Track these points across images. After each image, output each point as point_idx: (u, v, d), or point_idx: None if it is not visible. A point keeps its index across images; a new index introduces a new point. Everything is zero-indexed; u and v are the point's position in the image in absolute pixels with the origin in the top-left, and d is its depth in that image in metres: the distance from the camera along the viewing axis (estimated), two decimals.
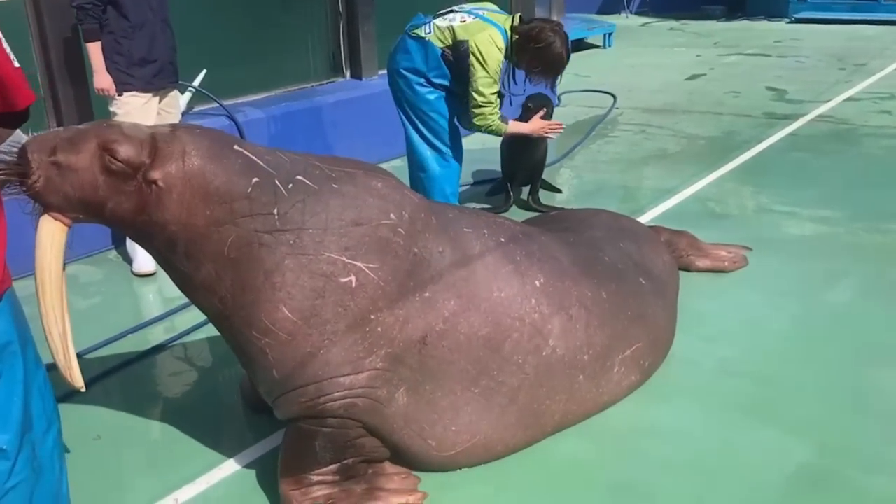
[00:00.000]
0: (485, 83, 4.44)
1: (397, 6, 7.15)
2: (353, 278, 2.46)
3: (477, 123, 4.56)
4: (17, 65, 1.89)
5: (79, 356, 3.63)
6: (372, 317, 2.49)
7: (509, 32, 4.49)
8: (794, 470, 2.77)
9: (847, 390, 3.22)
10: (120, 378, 3.59)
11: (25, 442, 2.00)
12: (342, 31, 7.04)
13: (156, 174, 2.34)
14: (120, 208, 2.37)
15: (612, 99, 8.83)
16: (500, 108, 4.62)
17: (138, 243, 2.60)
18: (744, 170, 6.28)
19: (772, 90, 9.16)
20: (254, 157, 2.49)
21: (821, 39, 13.00)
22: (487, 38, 4.42)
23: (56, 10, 4.98)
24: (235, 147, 2.50)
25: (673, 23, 16.08)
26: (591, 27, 12.90)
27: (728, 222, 5.14)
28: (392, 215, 2.56)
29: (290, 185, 2.47)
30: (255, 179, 2.44)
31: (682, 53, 12.19)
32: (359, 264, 2.47)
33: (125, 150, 2.32)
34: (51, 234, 2.32)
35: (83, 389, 2.43)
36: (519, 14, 4.65)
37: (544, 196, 5.60)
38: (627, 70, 10.80)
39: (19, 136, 2.26)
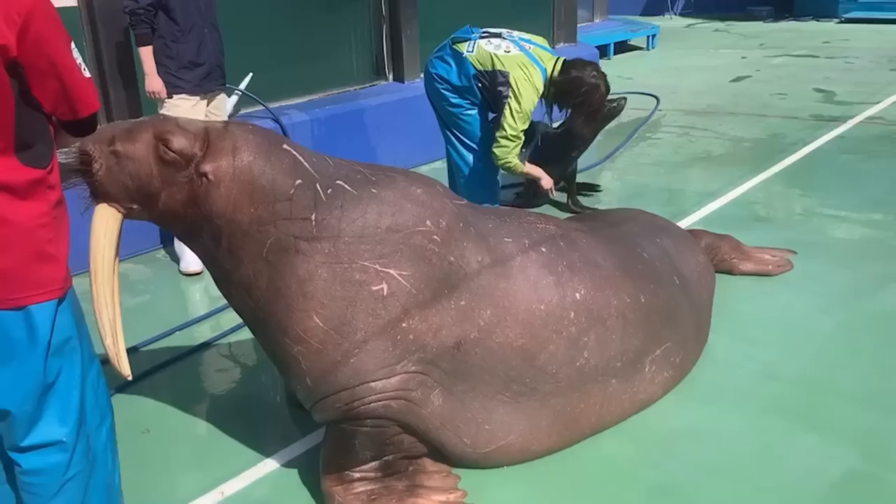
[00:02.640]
0: (519, 117, 4.46)
1: (440, 9, 7.21)
2: (384, 286, 2.48)
3: (497, 154, 4.57)
4: (87, 74, 1.97)
5: (128, 352, 3.76)
6: (404, 324, 2.51)
7: (550, 73, 4.51)
8: (839, 476, 2.73)
9: (893, 396, 3.16)
10: (168, 374, 3.68)
11: (81, 435, 2.08)
12: (385, 35, 7.11)
13: (207, 167, 2.41)
14: (172, 199, 2.44)
15: (655, 101, 8.77)
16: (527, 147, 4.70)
17: (186, 240, 2.67)
18: (790, 173, 6.19)
19: (820, 92, 9.00)
20: (300, 158, 2.52)
21: (871, 40, 12.74)
22: (527, 76, 4.45)
23: (109, 16, 5.13)
24: (284, 146, 2.54)
25: (718, 24, 15.90)
26: (635, 29, 12.82)
27: (773, 226, 5.08)
28: (428, 222, 2.57)
29: (330, 191, 2.50)
30: (298, 181, 2.47)
31: (727, 55, 12.04)
32: (391, 272, 2.49)
33: (179, 142, 2.40)
34: (105, 221, 2.39)
35: (130, 378, 2.49)
36: (563, 59, 4.65)
37: (585, 199, 5.60)
38: (671, 72, 10.71)
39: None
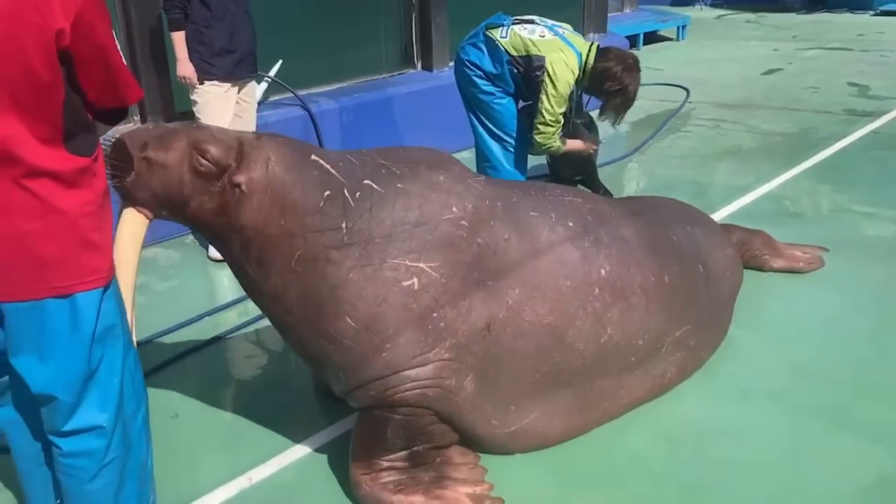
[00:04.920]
0: (556, 101, 4.45)
1: None
2: (415, 280, 2.51)
3: (538, 141, 4.57)
4: (124, 63, 1.99)
5: (157, 337, 3.81)
6: (434, 314, 2.54)
7: (585, 57, 4.48)
8: (872, 479, 2.70)
9: None
10: (195, 359, 3.71)
11: (119, 420, 2.11)
12: (414, 23, 7.08)
13: (240, 178, 2.42)
14: (202, 208, 2.45)
15: (685, 93, 8.67)
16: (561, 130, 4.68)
17: (213, 245, 2.68)
18: (822, 168, 6.10)
19: (853, 86, 8.86)
20: (328, 168, 2.54)
21: None
22: (563, 60, 4.42)
23: (141, 1, 5.15)
24: (313, 157, 2.56)
25: (749, 15, 15.68)
26: (665, 19, 12.67)
27: (804, 222, 5.02)
28: (454, 209, 2.60)
29: (358, 194, 2.53)
30: (327, 193, 2.50)
31: (758, 47, 11.88)
32: (421, 265, 2.52)
33: (215, 152, 2.40)
34: (132, 226, 2.39)
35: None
36: (596, 44, 4.62)
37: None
38: (701, 63, 10.58)
39: (113, 131, 2.35)
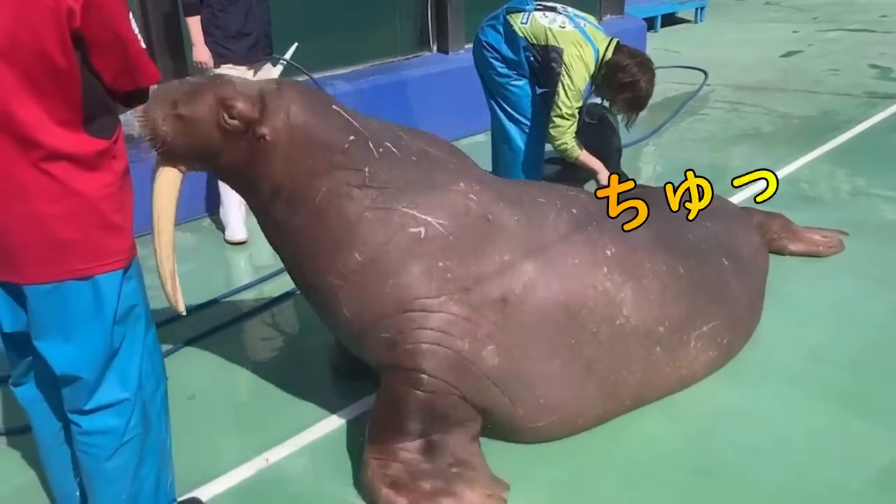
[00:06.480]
0: (572, 95, 4.42)
1: None
2: (422, 230, 2.62)
3: (552, 134, 4.54)
4: (142, 45, 2.00)
5: (175, 320, 3.83)
6: (440, 263, 2.61)
7: (602, 53, 4.44)
8: (887, 463, 2.69)
9: None
10: (213, 341, 3.73)
11: (139, 399, 2.13)
12: (430, 5, 7.04)
13: (264, 129, 2.51)
14: (232, 159, 2.56)
15: (703, 75, 8.59)
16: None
17: (243, 193, 2.76)
18: (841, 151, 6.04)
19: (875, 68, 8.74)
20: (350, 119, 2.67)
21: None
22: (580, 54, 4.39)
23: None
24: (334, 107, 2.68)
25: None
26: (683, 1, 12.53)
27: (823, 206, 4.97)
28: (462, 184, 2.73)
29: (381, 149, 2.66)
30: (351, 137, 2.62)
31: (778, 28, 11.74)
32: (429, 219, 2.63)
33: (240, 107, 2.48)
34: (168, 182, 2.51)
35: (184, 313, 2.63)
36: (616, 40, 4.56)
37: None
38: (720, 45, 10.48)
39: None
